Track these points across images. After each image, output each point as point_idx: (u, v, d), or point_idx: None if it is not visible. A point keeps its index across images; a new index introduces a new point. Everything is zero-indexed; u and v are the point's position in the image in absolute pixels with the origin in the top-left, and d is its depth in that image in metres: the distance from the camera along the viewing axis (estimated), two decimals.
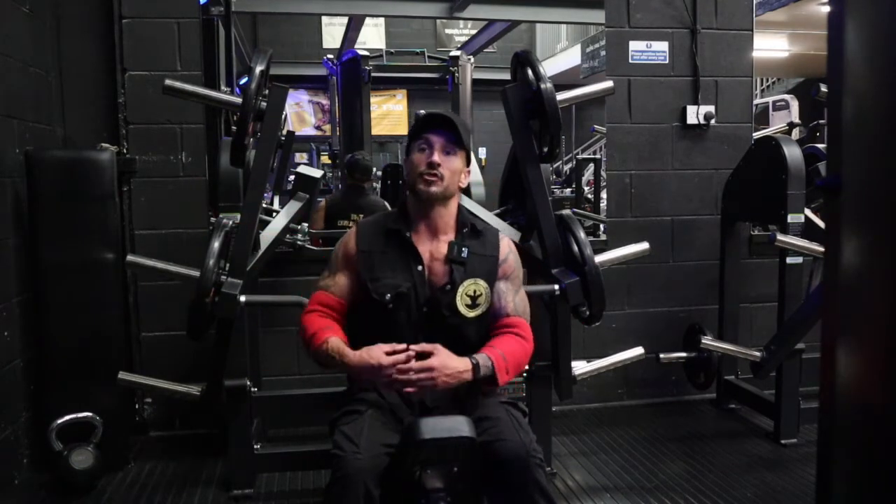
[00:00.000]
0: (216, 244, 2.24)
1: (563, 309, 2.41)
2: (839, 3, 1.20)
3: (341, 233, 2.35)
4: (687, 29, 3.39)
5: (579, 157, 7.08)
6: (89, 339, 2.67)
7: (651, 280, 3.43)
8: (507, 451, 1.61)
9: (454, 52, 6.31)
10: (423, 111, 2.28)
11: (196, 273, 2.22)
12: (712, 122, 3.41)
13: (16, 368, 2.56)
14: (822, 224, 2.94)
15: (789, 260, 2.84)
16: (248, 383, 2.50)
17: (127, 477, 2.67)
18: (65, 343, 2.65)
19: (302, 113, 10.15)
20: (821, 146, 3.40)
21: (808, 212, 2.90)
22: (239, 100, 2.23)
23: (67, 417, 2.57)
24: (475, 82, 6.03)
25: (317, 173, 2.87)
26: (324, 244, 3.41)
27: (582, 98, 2.49)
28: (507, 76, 2.49)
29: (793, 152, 2.82)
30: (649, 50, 3.37)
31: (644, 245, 2.54)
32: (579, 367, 2.55)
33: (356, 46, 6.64)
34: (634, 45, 3.36)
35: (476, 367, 1.72)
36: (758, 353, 2.94)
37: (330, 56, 6.85)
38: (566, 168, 7.58)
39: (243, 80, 3.72)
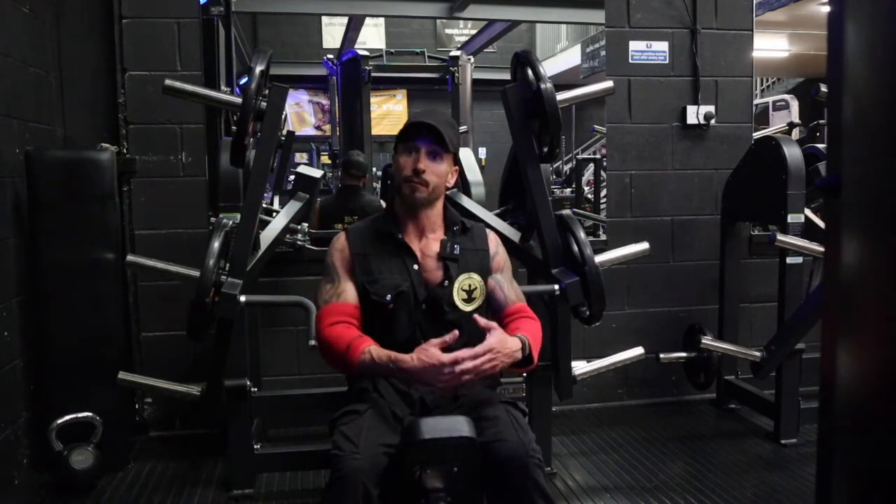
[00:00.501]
0: (216, 244, 2.24)
1: (563, 309, 2.41)
2: (839, 3, 1.20)
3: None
4: (687, 29, 3.39)
5: (579, 157, 7.07)
6: (89, 339, 2.67)
7: (651, 280, 3.43)
8: (506, 451, 1.61)
9: (454, 52, 6.33)
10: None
11: (196, 273, 2.22)
12: (712, 122, 3.41)
13: (16, 368, 2.56)
14: (822, 224, 2.94)
15: (789, 260, 2.84)
16: (248, 383, 2.50)
17: (127, 477, 2.68)
18: (65, 343, 2.65)
19: (302, 113, 10.16)
20: (821, 146, 3.40)
21: (808, 212, 2.90)
22: (239, 100, 2.23)
23: (67, 417, 2.57)
24: (475, 82, 6.04)
25: (317, 173, 2.88)
26: (321, 245, 3.39)
27: (582, 98, 2.49)
28: (507, 76, 2.49)
29: (793, 152, 2.82)
30: (649, 50, 3.37)
31: (644, 245, 2.54)
32: (579, 367, 2.55)
33: (356, 46, 6.65)
34: (634, 45, 3.36)
35: (525, 344, 1.75)
36: (758, 353, 2.94)
37: (330, 56, 6.86)
38: (566, 168, 7.58)
39: (243, 80, 3.72)
